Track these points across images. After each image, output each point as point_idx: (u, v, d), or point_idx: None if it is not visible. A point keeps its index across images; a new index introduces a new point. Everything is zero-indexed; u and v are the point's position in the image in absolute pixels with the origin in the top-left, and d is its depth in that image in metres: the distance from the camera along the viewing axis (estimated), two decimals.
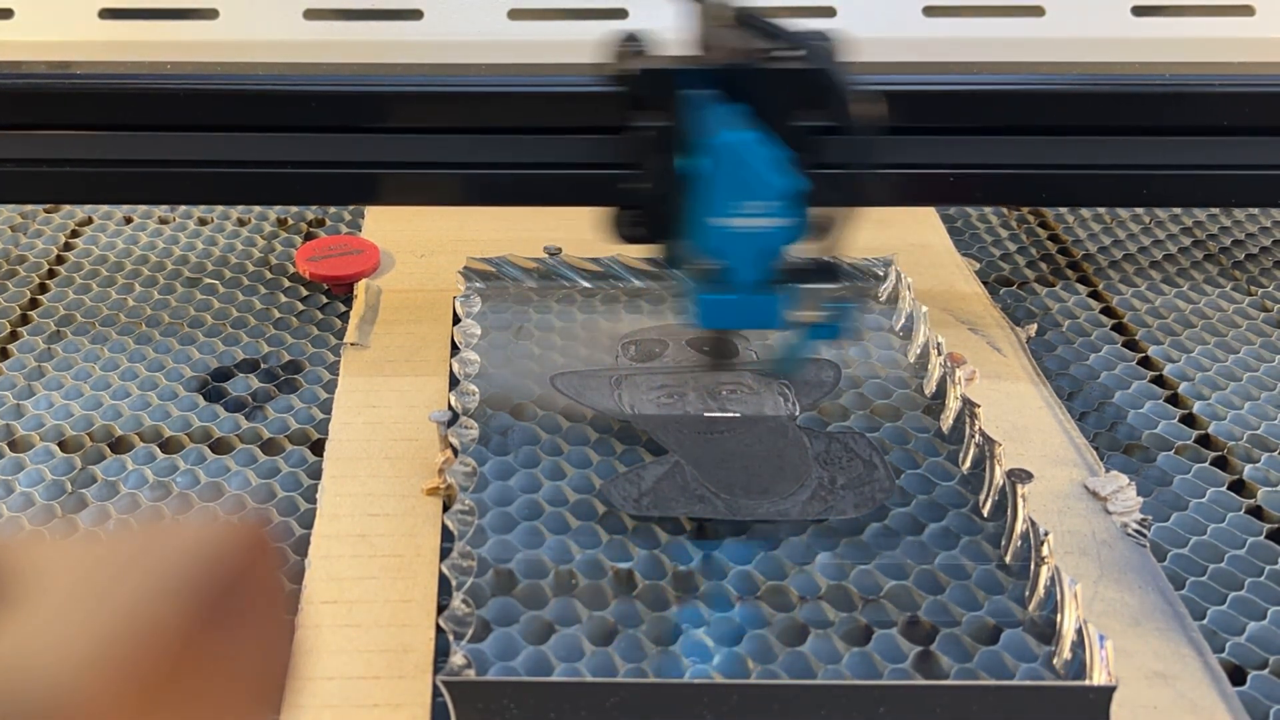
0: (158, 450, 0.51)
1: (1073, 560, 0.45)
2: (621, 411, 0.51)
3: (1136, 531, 0.46)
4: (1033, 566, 0.43)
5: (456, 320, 0.57)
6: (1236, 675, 0.41)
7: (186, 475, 0.49)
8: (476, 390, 0.52)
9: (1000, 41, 0.66)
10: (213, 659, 0.17)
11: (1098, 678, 0.39)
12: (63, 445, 0.51)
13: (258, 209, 0.69)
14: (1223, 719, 0.39)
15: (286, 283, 0.62)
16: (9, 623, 0.15)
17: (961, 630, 0.42)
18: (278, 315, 0.60)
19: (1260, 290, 0.63)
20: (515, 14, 0.65)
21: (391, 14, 0.65)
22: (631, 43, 0.48)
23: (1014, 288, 0.64)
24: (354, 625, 0.42)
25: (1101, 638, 0.39)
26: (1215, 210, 0.71)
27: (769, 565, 0.44)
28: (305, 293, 0.61)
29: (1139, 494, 0.48)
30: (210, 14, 0.65)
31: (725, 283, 0.43)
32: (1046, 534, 0.43)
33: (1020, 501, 0.45)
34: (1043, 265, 0.66)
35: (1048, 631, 0.41)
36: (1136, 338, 0.59)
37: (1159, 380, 0.56)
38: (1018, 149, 0.56)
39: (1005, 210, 0.71)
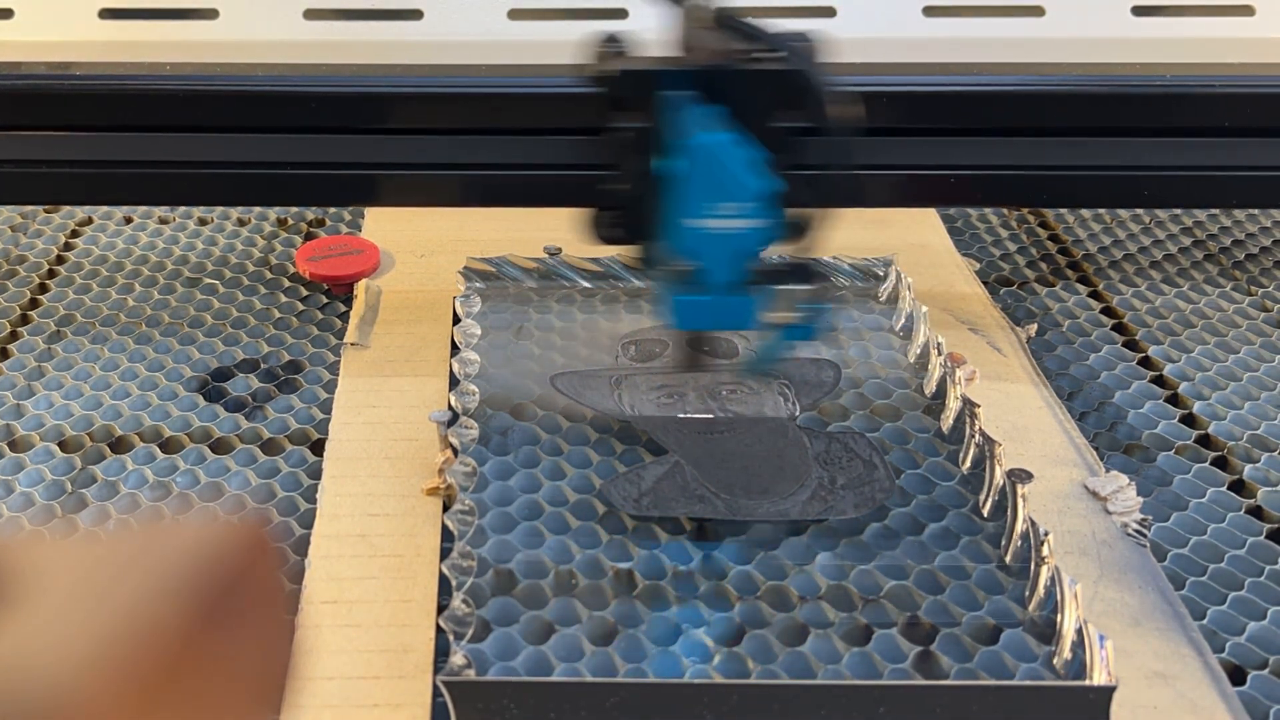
0: (158, 450, 0.51)
1: (1073, 560, 0.45)
2: (621, 411, 0.51)
3: (1136, 531, 0.46)
4: (1033, 566, 0.43)
5: (456, 320, 0.57)
6: (1236, 675, 0.41)
7: (186, 475, 0.49)
8: (476, 390, 0.52)
9: (1000, 42, 0.66)
10: (213, 659, 0.17)
11: (1098, 678, 0.39)
12: (63, 445, 0.51)
13: (258, 209, 0.69)
14: (1223, 719, 0.39)
15: (286, 283, 0.62)
16: (9, 623, 0.15)
17: (961, 630, 0.42)
18: (278, 315, 0.60)
19: (1260, 290, 0.63)
20: (515, 14, 0.65)
21: (391, 14, 0.65)
22: (611, 44, 0.48)
23: (1014, 288, 0.64)
24: (354, 625, 0.42)
25: (1101, 638, 0.39)
26: (1215, 210, 0.71)
27: (769, 565, 0.44)
28: (305, 293, 0.61)
29: (1139, 494, 0.48)
30: (210, 14, 0.65)
31: (700, 284, 0.43)
32: (1046, 534, 0.43)
33: (1020, 501, 0.45)
34: (1043, 265, 0.66)
35: (1048, 631, 0.41)
36: (1136, 338, 0.59)
37: (1159, 380, 0.56)
38: (1018, 150, 0.56)
39: (1005, 210, 0.71)
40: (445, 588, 0.43)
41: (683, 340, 0.49)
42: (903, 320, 0.58)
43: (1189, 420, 0.53)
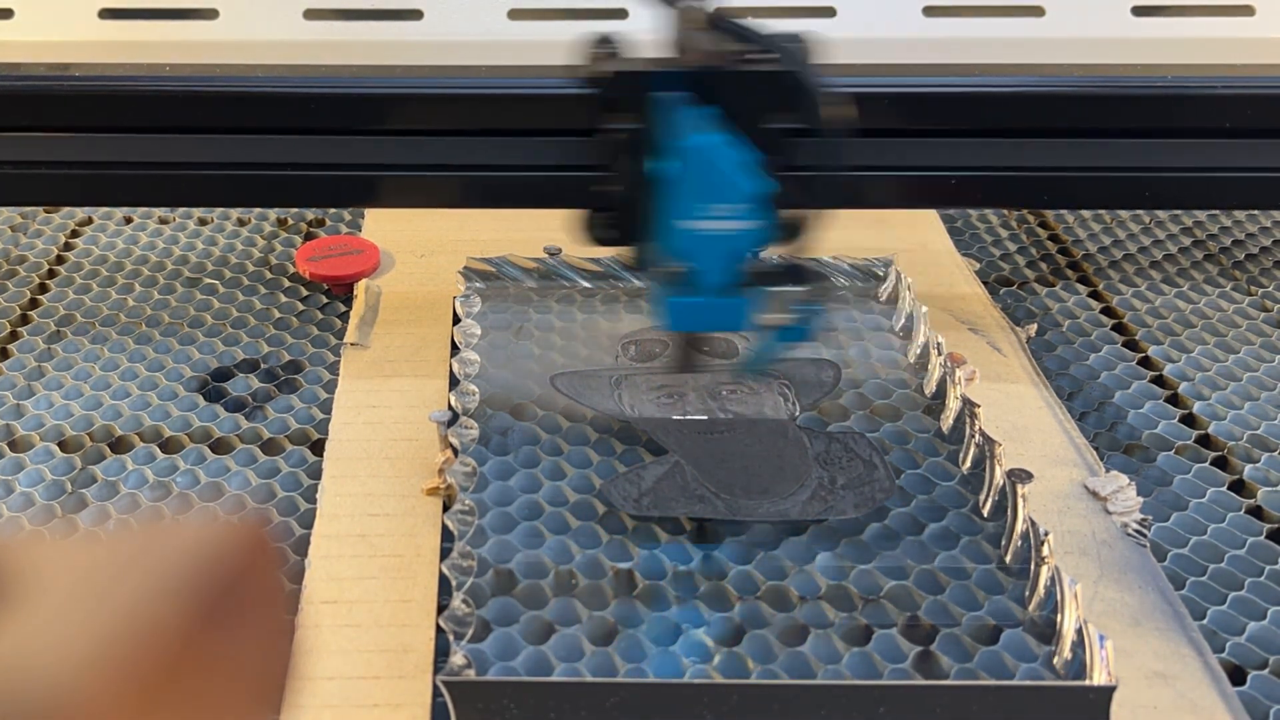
0: (158, 450, 0.51)
1: (1073, 560, 0.45)
2: (621, 411, 0.51)
3: (1136, 531, 0.46)
4: (1033, 566, 0.43)
5: (456, 320, 0.57)
6: (1236, 675, 0.41)
7: (186, 475, 0.49)
8: (476, 390, 0.52)
9: (1000, 42, 0.66)
10: (213, 659, 0.17)
11: (1098, 678, 0.39)
12: (63, 445, 0.51)
13: (258, 209, 0.69)
14: (1223, 719, 0.39)
15: (286, 283, 0.62)
16: (9, 623, 0.15)
17: (961, 630, 0.42)
18: (278, 315, 0.60)
19: (1260, 290, 0.63)
20: (515, 14, 0.65)
21: (391, 14, 0.65)
22: (604, 45, 0.48)
23: (1014, 288, 0.64)
24: (354, 625, 0.42)
25: (1101, 638, 0.39)
26: (1215, 210, 0.71)
27: (769, 565, 0.44)
28: (305, 293, 0.61)
29: (1139, 494, 0.48)
30: (210, 14, 0.65)
31: (693, 285, 0.43)
32: (1046, 534, 0.43)
33: (1020, 501, 0.45)
34: (1043, 265, 0.66)
35: (1048, 631, 0.41)
36: (1136, 338, 0.59)
37: (1159, 380, 0.56)
38: (1019, 151, 0.56)
39: (1005, 210, 0.71)
40: (445, 588, 0.43)
41: (680, 341, 0.49)
42: (903, 320, 0.58)
43: (1189, 420, 0.53)
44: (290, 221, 0.68)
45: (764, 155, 0.42)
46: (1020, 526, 0.45)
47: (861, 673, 0.40)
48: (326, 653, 0.41)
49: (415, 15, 0.65)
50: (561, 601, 0.42)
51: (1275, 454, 0.51)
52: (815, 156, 0.42)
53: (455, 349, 0.55)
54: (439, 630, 0.41)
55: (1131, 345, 0.59)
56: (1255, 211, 0.71)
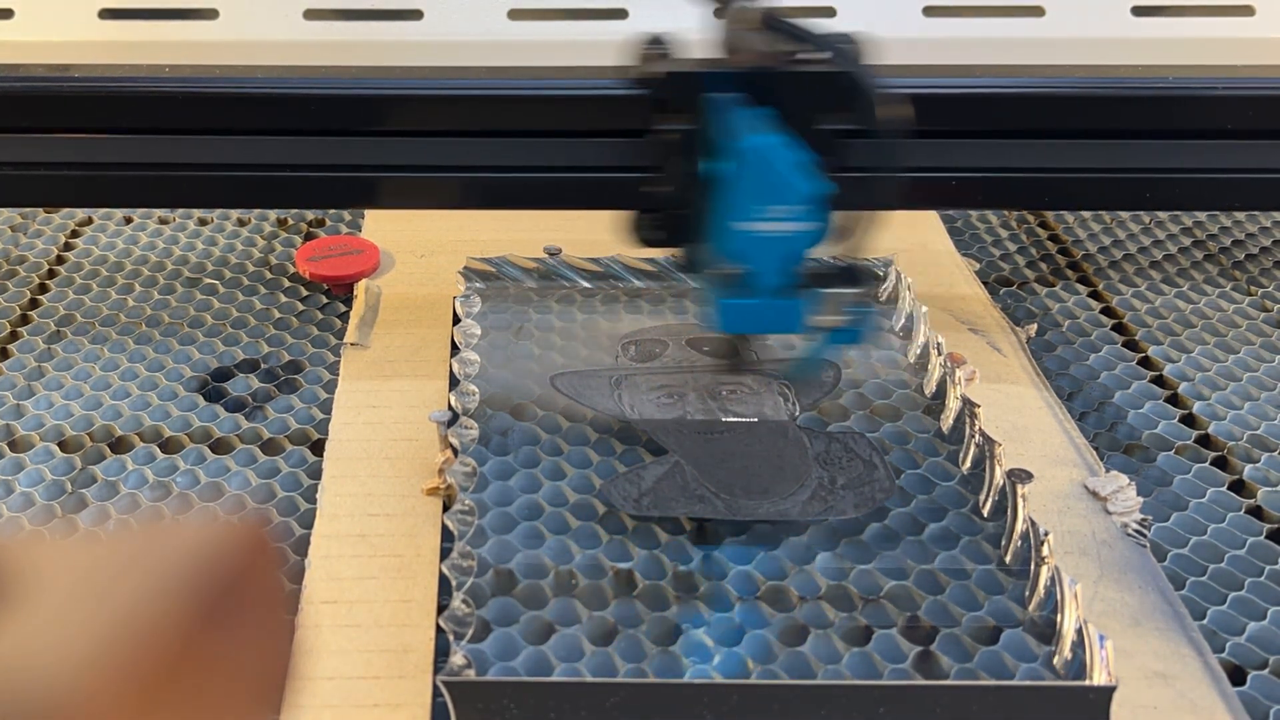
0: (158, 450, 0.51)
1: (1073, 560, 0.45)
2: (621, 411, 0.51)
3: (1136, 531, 0.46)
4: (1033, 566, 0.43)
5: (456, 320, 0.57)
6: (1236, 675, 0.41)
7: (186, 475, 0.49)
8: (476, 390, 0.52)
9: (1000, 42, 0.66)
10: (213, 659, 0.17)
11: (1098, 678, 0.39)
12: (63, 445, 0.51)
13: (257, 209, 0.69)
14: (1223, 719, 0.39)
15: (286, 283, 0.62)
16: (9, 623, 0.15)
17: (961, 630, 0.42)
18: (278, 315, 0.60)
19: (1260, 290, 0.63)
20: (515, 14, 0.65)
21: (391, 14, 0.65)
22: (655, 45, 0.47)
23: (1014, 288, 0.64)
24: (354, 625, 0.42)
25: (1101, 638, 0.39)
26: (1216, 211, 0.71)
27: (769, 565, 0.44)
28: (305, 293, 0.61)
29: (1139, 494, 0.48)
30: (210, 14, 0.65)
31: (747, 287, 0.43)
32: (1046, 534, 0.43)
33: (1020, 501, 0.45)
34: (1043, 265, 0.66)
35: (1048, 631, 0.41)
36: (1136, 338, 0.59)
37: (1159, 380, 0.56)
38: (1019, 152, 0.56)
39: (1005, 210, 0.71)
40: (445, 588, 0.43)
41: (717, 343, 0.48)
42: (903, 320, 0.58)
43: (1189, 420, 0.53)
44: (290, 222, 0.68)
45: (818, 156, 0.42)
46: (1020, 526, 0.45)
47: (861, 673, 0.40)
48: (326, 653, 0.41)
49: (415, 15, 0.65)
50: (561, 602, 0.42)
51: (1275, 454, 0.51)
52: (870, 157, 0.42)
53: (455, 349, 0.55)
54: (439, 630, 0.41)
55: (1131, 345, 0.59)
56: (1255, 211, 0.71)
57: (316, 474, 0.49)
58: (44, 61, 0.57)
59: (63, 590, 0.16)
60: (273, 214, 0.69)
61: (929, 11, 0.65)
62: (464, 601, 0.42)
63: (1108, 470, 0.49)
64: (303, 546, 0.45)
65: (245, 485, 0.49)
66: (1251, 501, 0.49)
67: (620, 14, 0.65)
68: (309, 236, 0.67)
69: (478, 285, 0.60)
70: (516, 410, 0.52)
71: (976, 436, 0.49)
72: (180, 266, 0.64)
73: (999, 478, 0.47)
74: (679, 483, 0.47)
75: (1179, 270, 0.65)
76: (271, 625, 0.19)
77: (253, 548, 0.18)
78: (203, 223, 0.68)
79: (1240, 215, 0.71)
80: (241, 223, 0.68)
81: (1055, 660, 0.40)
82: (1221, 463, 0.51)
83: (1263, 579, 0.45)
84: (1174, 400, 0.55)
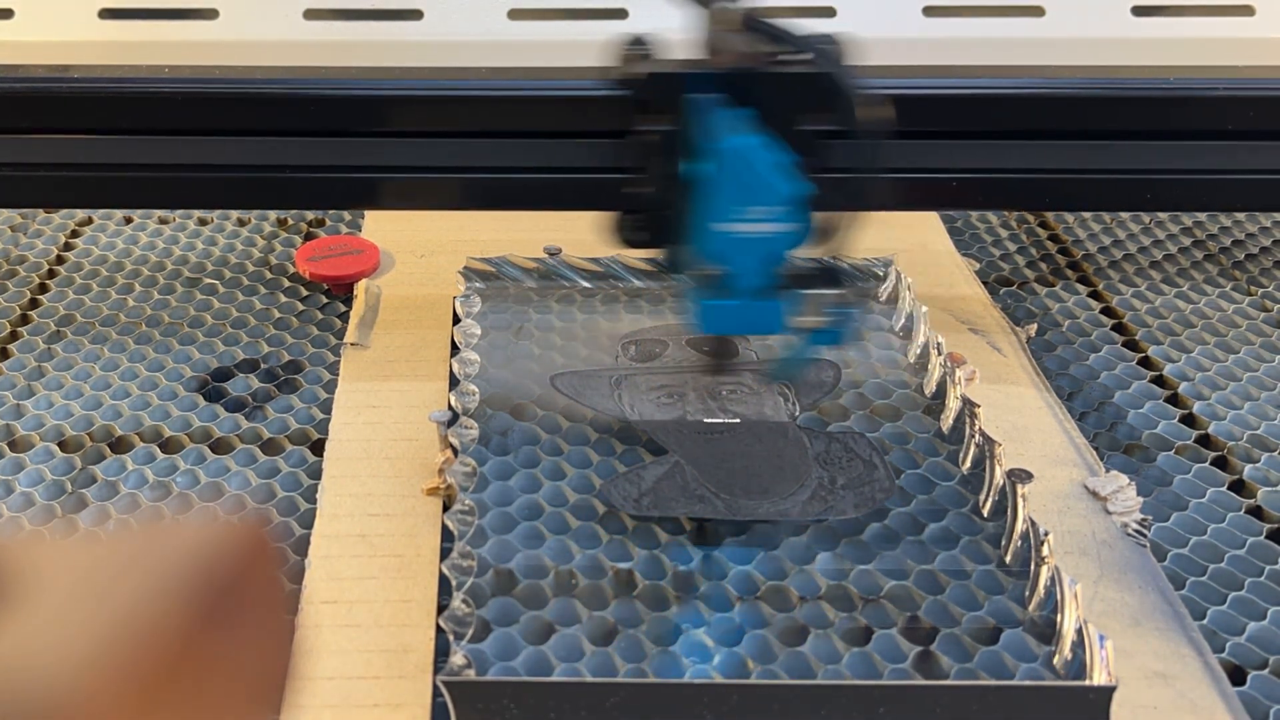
0: (158, 450, 0.51)
1: (1073, 560, 0.45)
2: (621, 411, 0.51)
3: (1136, 531, 0.46)
4: (1033, 566, 0.43)
5: (456, 320, 0.57)
6: (1236, 675, 0.41)
7: (186, 475, 0.49)
8: (476, 390, 0.52)
9: (1000, 42, 0.66)
10: (213, 659, 0.17)
11: (1098, 678, 0.39)
12: (63, 445, 0.51)
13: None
14: (1223, 719, 0.39)
15: (286, 283, 0.62)
16: (9, 623, 0.15)
17: (961, 630, 0.42)
18: (278, 315, 0.60)
19: (1260, 290, 0.63)
20: (515, 14, 0.65)
21: (391, 14, 0.65)
22: (637, 46, 0.47)
23: (1014, 288, 0.64)
24: (354, 625, 0.42)
25: (1101, 638, 0.39)
26: (1216, 212, 0.71)
27: (769, 565, 0.44)
28: (305, 293, 0.61)
29: (1139, 494, 0.48)
30: (210, 14, 0.65)
31: (728, 288, 0.43)
32: (1046, 534, 0.43)
33: (1020, 501, 0.45)
34: (1043, 265, 0.66)
35: (1048, 631, 0.41)
36: (1136, 338, 0.59)
37: (1159, 380, 0.56)
38: (1019, 153, 0.56)
39: (1005, 211, 0.71)
40: (445, 588, 0.43)
41: (709, 342, 0.48)
42: (903, 320, 0.58)
43: (1189, 420, 0.53)
44: (290, 222, 0.68)
45: (799, 157, 0.42)
46: (1020, 526, 0.45)
47: (861, 673, 0.40)
48: (326, 653, 0.41)
49: (415, 15, 0.65)
50: (561, 602, 0.42)
51: (1275, 454, 0.51)
52: (851, 158, 0.42)
53: (455, 349, 0.55)
54: (439, 630, 0.41)
55: (1131, 345, 0.59)
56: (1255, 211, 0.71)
57: (316, 474, 0.49)
58: (44, 61, 0.57)
59: (63, 590, 0.16)
60: (273, 214, 0.69)
61: (929, 11, 0.65)
62: (464, 601, 0.42)
63: (1108, 470, 0.49)
64: (303, 546, 0.45)
65: (245, 485, 0.49)
66: (1251, 501, 0.49)
67: (620, 14, 0.65)
68: (309, 236, 0.67)
69: (478, 285, 0.60)
70: (516, 410, 0.52)
71: (976, 436, 0.49)
72: (180, 266, 0.64)
73: (999, 478, 0.47)
74: (679, 483, 0.47)
75: (1179, 270, 0.65)
76: (271, 625, 0.19)
77: (253, 548, 0.18)
78: (203, 223, 0.68)
79: (1240, 215, 0.71)
80: (241, 223, 0.68)
81: (1055, 660, 0.40)
82: (1221, 463, 0.51)
83: (1263, 579, 0.45)
84: (1174, 400, 0.55)
